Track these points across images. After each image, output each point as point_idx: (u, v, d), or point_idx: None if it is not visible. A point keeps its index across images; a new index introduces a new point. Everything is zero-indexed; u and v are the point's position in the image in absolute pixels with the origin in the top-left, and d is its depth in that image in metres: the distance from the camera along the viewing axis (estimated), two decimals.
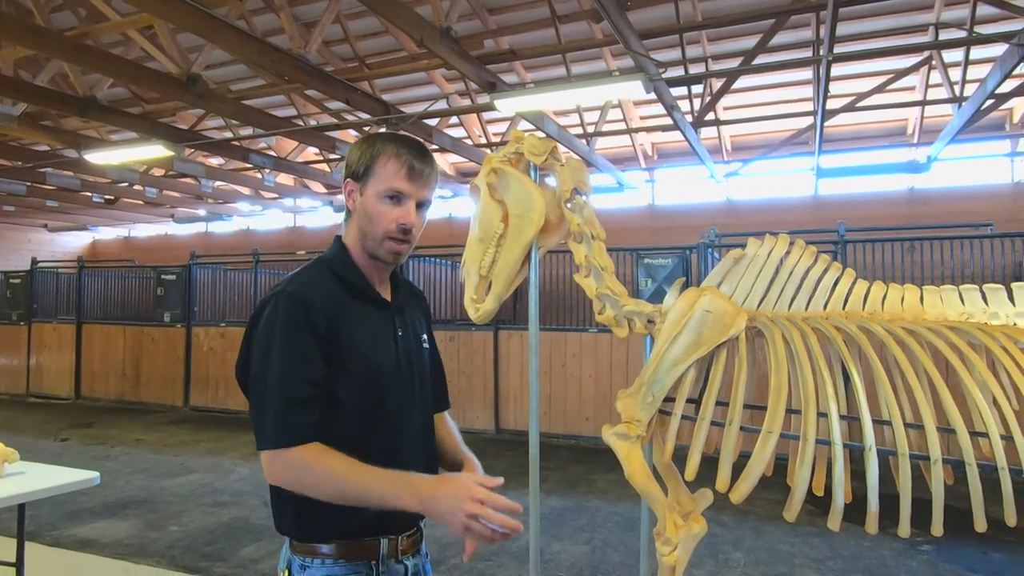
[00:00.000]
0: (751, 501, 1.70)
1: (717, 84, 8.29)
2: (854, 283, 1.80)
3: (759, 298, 1.81)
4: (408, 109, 9.11)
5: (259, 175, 11.23)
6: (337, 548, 1.34)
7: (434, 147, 8.60)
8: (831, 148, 10.09)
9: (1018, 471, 1.48)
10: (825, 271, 1.81)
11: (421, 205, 1.43)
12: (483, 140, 10.34)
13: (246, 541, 4.55)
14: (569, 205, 1.86)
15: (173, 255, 14.74)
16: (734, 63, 7.97)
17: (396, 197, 1.39)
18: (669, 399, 1.77)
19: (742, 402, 1.67)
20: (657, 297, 7.16)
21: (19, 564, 2.81)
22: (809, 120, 8.81)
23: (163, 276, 10.74)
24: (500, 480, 1.27)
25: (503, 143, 9.69)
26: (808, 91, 9.22)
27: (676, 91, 7.33)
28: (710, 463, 1.65)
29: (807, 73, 8.75)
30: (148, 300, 11.83)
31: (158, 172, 11.23)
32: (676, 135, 9.15)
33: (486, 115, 10.02)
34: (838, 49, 6.55)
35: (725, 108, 9.92)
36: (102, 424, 9.17)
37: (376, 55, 8.47)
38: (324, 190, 12.96)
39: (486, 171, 1.89)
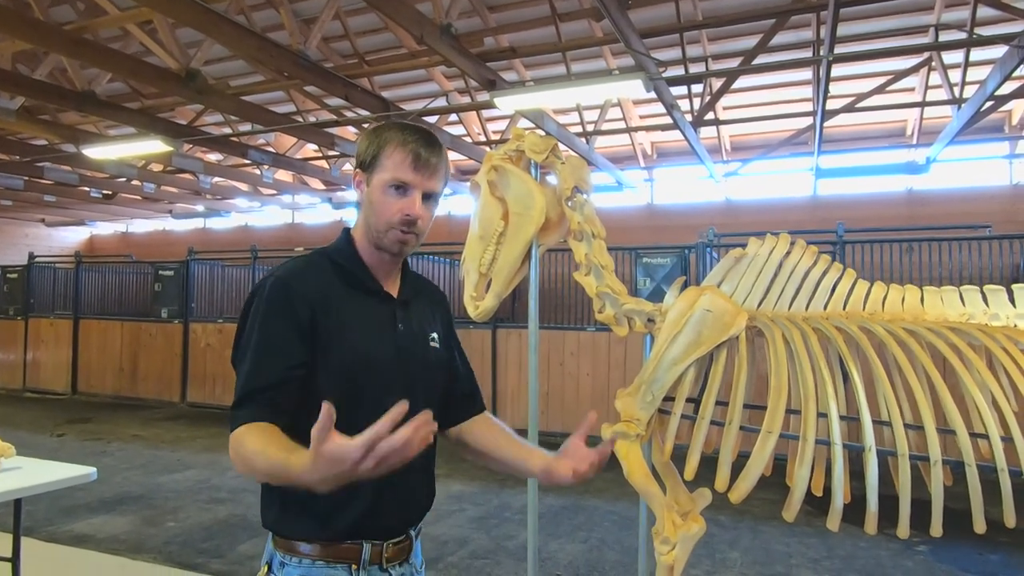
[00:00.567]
0: (748, 501, 1.69)
1: (717, 84, 8.29)
2: (854, 284, 1.80)
3: (759, 298, 1.81)
4: (408, 106, 9.09)
5: (258, 171, 11.21)
6: (317, 548, 1.31)
7: None
8: (830, 148, 10.09)
9: (1018, 472, 1.48)
10: (825, 271, 1.81)
11: (428, 196, 1.39)
12: (482, 138, 10.33)
13: (243, 538, 4.55)
14: (570, 203, 1.86)
15: (171, 251, 14.71)
16: (734, 63, 7.96)
17: (401, 187, 1.36)
18: (669, 398, 1.77)
19: (742, 402, 1.67)
20: (655, 296, 7.16)
21: (15, 559, 2.80)
22: (808, 120, 8.81)
23: (161, 272, 10.72)
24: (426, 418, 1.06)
25: (502, 141, 9.71)
26: (808, 91, 9.22)
27: (676, 90, 7.33)
28: (708, 463, 1.65)
29: (807, 73, 8.75)
30: (146, 296, 11.81)
31: (156, 167, 11.20)
32: (675, 134, 9.14)
33: (485, 113, 10.01)
34: (838, 50, 6.55)
35: (725, 108, 9.92)
36: (99, 420, 9.15)
37: (376, 52, 8.45)
38: (323, 187, 12.94)
39: (487, 168, 1.88)
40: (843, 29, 6.75)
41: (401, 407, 1.03)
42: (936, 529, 1.54)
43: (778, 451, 1.63)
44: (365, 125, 9.43)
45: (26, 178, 11.21)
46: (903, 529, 1.54)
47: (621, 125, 10.03)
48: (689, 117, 8.04)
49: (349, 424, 1.32)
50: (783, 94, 9.61)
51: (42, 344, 11.61)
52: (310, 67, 6.35)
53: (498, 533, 4.62)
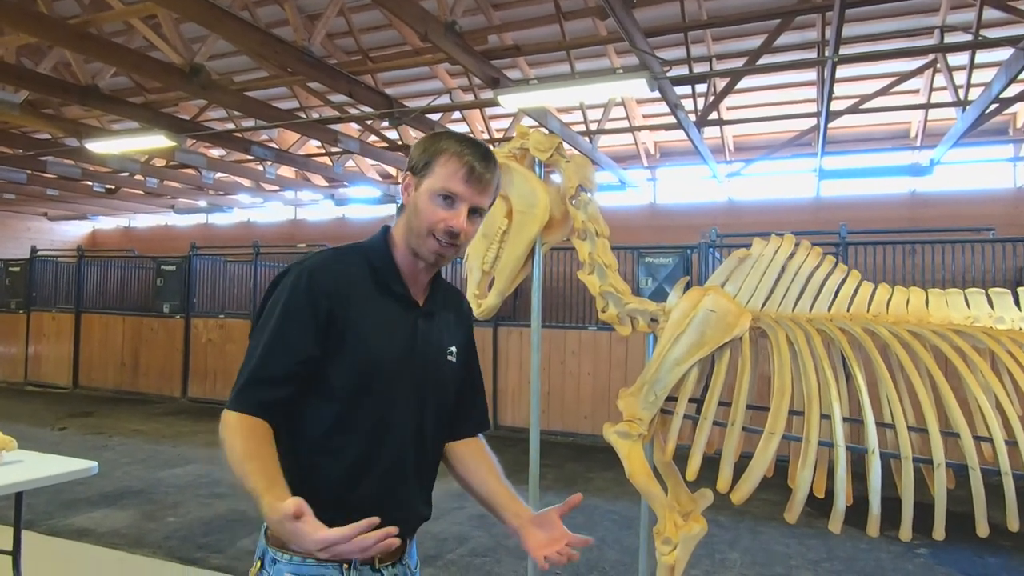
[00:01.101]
0: (748, 501, 1.69)
1: (721, 83, 8.27)
2: (859, 285, 1.79)
3: (763, 298, 1.80)
4: (411, 103, 9.08)
5: (260, 167, 11.21)
6: None
7: None
8: (834, 150, 10.06)
9: (1022, 476, 1.47)
10: (830, 273, 1.80)
11: (474, 211, 1.37)
12: (485, 136, 10.32)
13: (242, 533, 4.55)
14: (574, 202, 1.85)
15: (173, 246, 14.72)
16: (738, 63, 7.94)
17: (450, 198, 1.34)
18: (671, 398, 1.76)
19: (745, 403, 1.67)
20: (657, 296, 7.15)
21: (16, 553, 2.80)
22: (812, 121, 8.79)
23: (163, 267, 10.73)
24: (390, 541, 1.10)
25: (506, 139, 9.70)
26: (812, 92, 9.20)
27: (680, 90, 7.31)
28: (710, 463, 1.64)
29: (811, 74, 8.73)
30: (147, 290, 11.82)
31: (159, 162, 11.20)
32: (679, 134, 9.13)
33: (489, 111, 10.00)
34: (843, 51, 6.53)
35: (728, 108, 9.90)
36: (100, 414, 9.16)
37: (380, 49, 8.45)
38: (325, 183, 12.94)
39: None
40: (848, 30, 6.72)
41: (371, 521, 1.10)
42: (939, 532, 1.53)
43: (779, 452, 1.63)
44: (368, 122, 9.43)
45: (29, 172, 11.21)
46: (905, 532, 1.54)
47: (625, 124, 10.02)
48: (693, 117, 8.03)
49: (355, 422, 1.32)
50: (787, 95, 9.60)
51: (44, 338, 11.62)
52: (314, 63, 6.35)
53: (498, 531, 4.62)
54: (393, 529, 1.10)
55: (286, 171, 12.19)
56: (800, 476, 1.58)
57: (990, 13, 6.18)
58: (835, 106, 7.75)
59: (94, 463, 2.76)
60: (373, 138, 10.46)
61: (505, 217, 1.86)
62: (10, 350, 11.94)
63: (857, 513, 1.61)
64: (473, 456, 1.53)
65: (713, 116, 8.80)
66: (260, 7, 7.32)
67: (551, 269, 8.84)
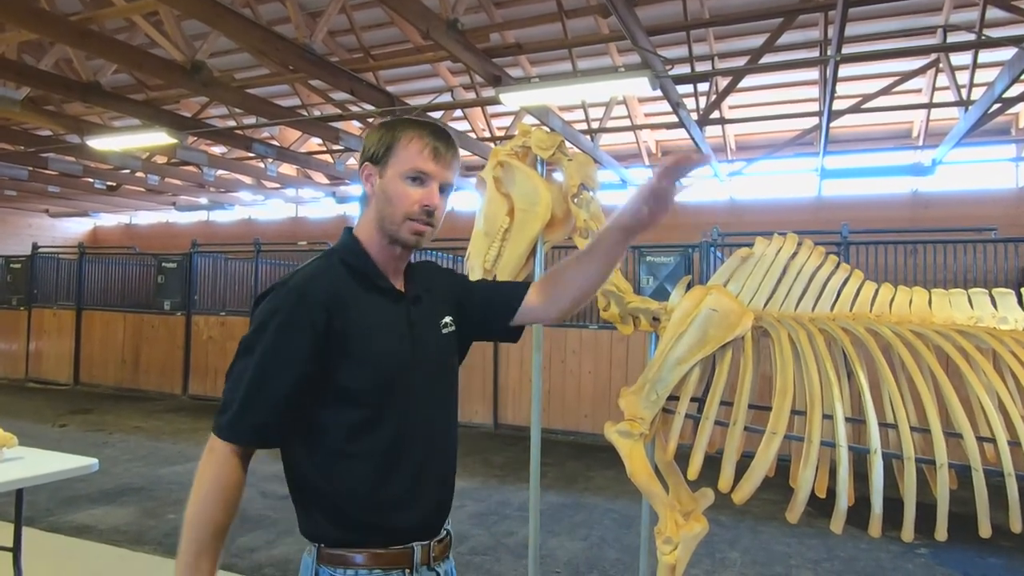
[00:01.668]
0: (749, 501, 1.69)
1: (723, 82, 8.26)
2: (862, 285, 1.79)
3: (766, 298, 1.80)
4: (413, 101, 9.07)
5: (262, 165, 11.21)
6: (370, 556, 1.29)
7: None
8: (835, 149, 10.05)
9: None
10: (833, 272, 1.80)
11: (442, 189, 1.38)
12: (487, 134, 10.31)
13: (243, 531, 4.55)
14: (576, 200, 1.85)
15: (174, 243, 14.73)
16: (740, 61, 7.93)
17: (419, 178, 1.34)
18: (673, 398, 1.76)
19: (747, 402, 1.66)
20: (659, 295, 7.14)
21: (16, 549, 2.80)
22: (814, 120, 8.77)
23: (164, 264, 10.73)
24: None
25: (507, 138, 9.70)
26: (814, 91, 9.18)
27: (682, 88, 7.30)
28: (712, 463, 1.64)
29: (813, 73, 8.72)
30: (148, 287, 11.82)
31: (160, 159, 11.20)
32: (680, 133, 9.12)
33: (490, 109, 9.99)
34: (845, 50, 6.52)
35: (730, 107, 9.89)
36: (101, 411, 9.17)
37: (381, 46, 8.44)
38: (327, 181, 12.94)
39: (493, 164, 1.87)
40: (851, 29, 6.72)
41: None
42: (941, 533, 1.53)
43: (780, 452, 1.62)
44: (370, 120, 9.42)
45: (30, 168, 11.21)
46: (907, 532, 1.54)
47: (626, 123, 10.01)
48: (694, 116, 8.02)
49: (377, 422, 1.32)
50: (789, 94, 9.59)
51: (45, 335, 11.63)
52: (315, 61, 6.34)
53: (498, 530, 4.62)
54: None
55: (287, 169, 12.19)
56: (802, 476, 1.58)
57: (993, 12, 6.17)
58: (837, 105, 7.74)
59: (94, 460, 2.76)
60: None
61: (507, 215, 1.85)
62: (11, 347, 11.95)
63: (858, 513, 1.61)
64: (555, 275, 1.52)
65: (715, 115, 8.79)
66: (261, 4, 7.32)
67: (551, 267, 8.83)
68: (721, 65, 8.29)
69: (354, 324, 1.30)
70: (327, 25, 6.54)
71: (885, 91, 8.06)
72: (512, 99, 6.39)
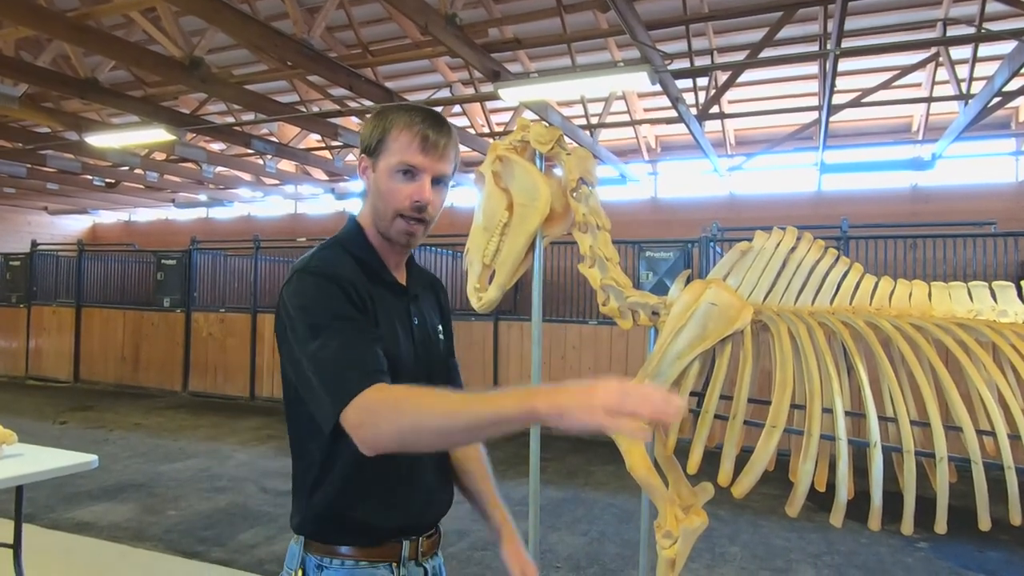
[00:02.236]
0: (748, 495, 1.69)
1: (722, 77, 8.24)
2: (861, 278, 1.78)
3: (765, 292, 1.79)
4: (411, 97, 9.06)
5: (261, 161, 11.19)
6: (357, 549, 1.28)
7: None
8: (835, 144, 10.03)
9: None
10: (832, 266, 1.79)
11: (438, 181, 1.33)
12: (486, 129, 10.30)
13: (243, 527, 4.56)
14: (575, 195, 1.84)
15: (173, 240, 14.71)
16: (740, 56, 7.91)
17: (409, 172, 1.29)
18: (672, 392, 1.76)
19: (746, 396, 1.66)
20: (658, 290, 7.14)
21: (16, 546, 2.81)
22: (814, 115, 8.76)
23: (163, 261, 10.73)
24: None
25: (506, 133, 9.68)
26: (813, 86, 9.17)
27: (681, 83, 7.29)
28: (711, 457, 1.64)
29: (813, 68, 8.70)
30: (148, 285, 11.82)
31: (159, 156, 11.18)
32: (680, 128, 9.10)
33: (489, 104, 9.97)
34: (845, 44, 6.50)
35: (730, 101, 9.87)
36: (101, 408, 9.17)
37: (380, 42, 8.42)
38: (326, 177, 12.92)
39: (492, 159, 1.87)
40: (850, 23, 6.70)
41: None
42: (940, 526, 1.53)
43: (780, 446, 1.62)
44: (368, 116, 9.40)
45: (29, 166, 11.19)
46: (907, 525, 1.54)
47: (625, 118, 9.99)
48: (694, 110, 8.01)
49: None
50: (789, 88, 9.57)
51: (44, 332, 11.63)
52: (314, 56, 6.32)
53: None
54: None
55: (286, 165, 12.17)
56: (802, 469, 1.58)
57: (993, 6, 6.14)
58: (837, 100, 7.72)
59: (94, 457, 2.76)
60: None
61: (506, 210, 1.85)
62: (11, 344, 11.95)
63: (857, 507, 1.61)
64: (465, 451, 1.52)
65: (714, 110, 8.77)
66: (259, 0, 7.29)
67: (552, 263, 8.84)
68: (720, 60, 8.27)
69: (372, 313, 1.27)
70: (325, 20, 6.52)
71: (885, 85, 8.05)
72: (511, 94, 6.38)
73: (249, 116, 9.43)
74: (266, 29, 5.82)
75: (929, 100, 8.53)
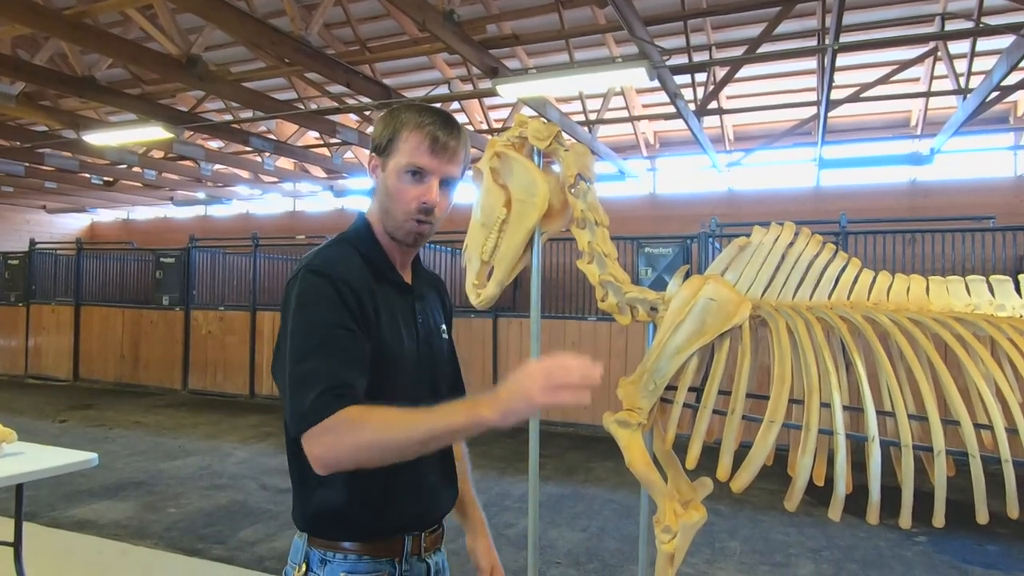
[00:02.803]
0: (748, 490, 1.69)
1: (721, 72, 8.23)
2: (859, 273, 1.78)
3: (763, 287, 1.79)
4: (409, 94, 9.05)
5: (259, 159, 11.18)
6: (360, 545, 1.29)
7: None
8: (834, 139, 10.03)
9: (1022, 463, 1.47)
10: (830, 260, 1.79)
11: (446, 182, 1.34)
12: (484, 126, 10.29)
13: (244, 524, 4.56)
14: (573, 191, 1.84)
15: (172, 238, 14.71)
16: (738, 51, 7.90)
17: (418, 173, 1.30)
18: (671, 387, 1.76)
19: (745, 391, 1.66)
20: (657, 286, 7.14)
21: (17, 544, 2.81)
22: (812, 110, 8.75)
23: (162, 259, 10.72)
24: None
25: (504, 129, 9.67)
26: (812, 81, 9.16)
27: (679, 79, 7.28)
28: (709, 452, 1.64)
29: (811, 63, 8.69)
30: (147, 283, 11.82)
31: (157, 154, 11.17)
32: (678, 123, 9.10)
33: (488, 101, 9.96)
34: (843, 38, 6.49)
35: (728, 97, 9.87)
36: (101, 406, 9.17)
37: (378, 39, 8.40)
38: (324, 175, 12.91)
39: (489, 155, 1.86)
40: (848, 18, 6.68)
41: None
42: (938, 520, 1.53)
43: (778, 441, 1.63)
44: (367, 112, 9.39)
45: (27, 164, 11.18)
46: (905, 519, 1.54)
47: (624, 114, 9.99)
48: (692, 106, 8.00)
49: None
50: (787, 83, 9.56)
51: (43, 331, 11.62)
52: (311, 54, 6.31)
53: (498, 521, 4.64)
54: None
55: (285, 162, 12.16)
56: (800, 464, 1.58)
57: (991, 0, 6.14)
58: (835, 95, 7.72)
59: (94, 455, 2.76)
60: (371, 129, 10.42)
61: (504, 206, 1.85)
62: (10, 343, 11.95)
63: (856, 501, 1.61)
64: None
65: (713, 105, 8.77)
66: None
67: (550, 260, 8.84)
68: (719, 55, 8.27)
69: (372, 319, 1.27)
70: (323, 17, 6.51)
71: (883, 80, 8.04)
72: (509, 91, 6.37)
73: (247, 113, 9.42)
74: (263, 26, 5.81)
75: (927, 95, 8.53)
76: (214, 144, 11.45)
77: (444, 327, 1.49)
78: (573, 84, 6.92)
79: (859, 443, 1.57)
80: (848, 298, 1.77)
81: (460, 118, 10.32)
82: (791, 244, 1.80)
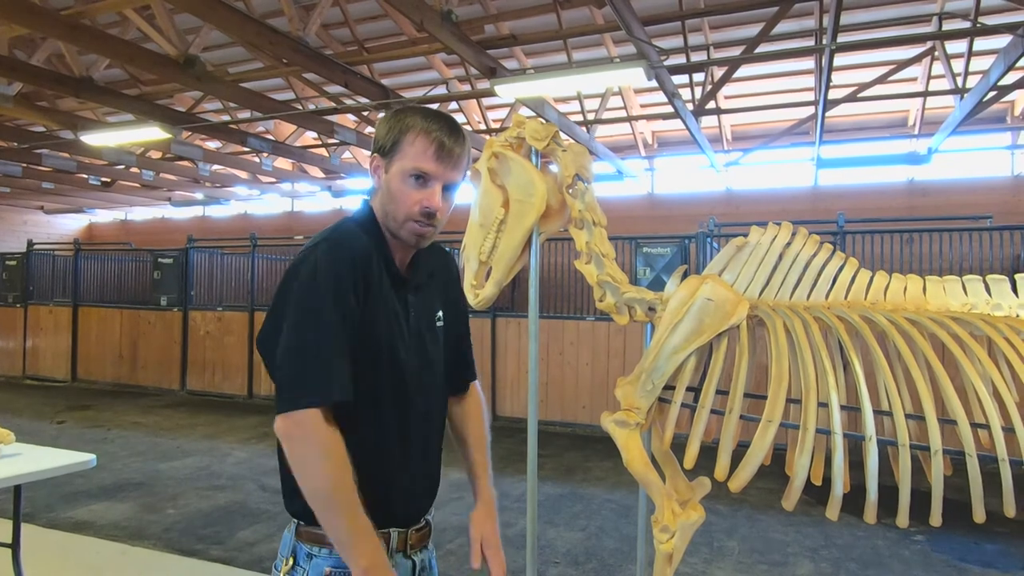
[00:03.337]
0: (746, 490, 1.70)
1: (719, 72, 8.24)
2: (856, 273, 1.79)
3: (761, 287, 1.80)
4: (407, 94, 9.05)
5: (257, 159, 11.17)
6: None
7: None
8: (831, 139, 10.05)
9: (1019, 462, 1.48)
10: (828, 260, 1.80)
11: (448, 187, 1.36)
12: (482, 126, 10.29)
13: (242, 525, 4.56)
14: (570, 191, 1.84)
15: (170, 239, 14.69)
16: (736, 51, 7.91)
17: (422, 178, 1.31)
18: (669, 387, 1.76)
19: (742, 391, 1.66)
20: (655, 286, 7.15)
21: (15, 545, 2.81)
22: (810, 110, 8.77)
23: (160, 260, 10.71)
24: None
25: (502, 129, 9.67)
26: (810, 81, 9.17)
27: (677, 79, 7.28)
28: (708, 452, 1.65)
29: (809, 63, 8.70)
30: (145, 283, 11.81)
31: (155, 155, 11.15)
32: (676, 123, 9.10)
33: (486, 101, 9.96)
34: (841, 38, 6.50)
35: (726, 97, 9.87)
36: (99, 407, 9.16)
37: (376, 39, 8.40)
38: (322, 175, 12.90)
39: (487, 155, 1.87)
40: (846, 18, 6.70)
41: None
42: (936, 519, 1.53)
43: (776, 440, 1.63)
44: (364, 113, 9.39)
45: (24, 165, 11.16)
46: (903, 519, 1.54)
47: (622, 114, 9.99)
48: (690, 106, 8.00)
49: (354, 409, 1.31)
50: (785, 83, 9.57)
51: (41, 331, 11.61)
52: (309, 54, 6.31)
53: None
54: None
55: (283, 163, 12.15)
56: (798, 463, 1.58)
57: (988, 0, 6.15)
58: (833, 94, 7.73)
59: (92, 456, 2.76)
60: (370, 129, 10.42)
61: (502, 207, 1.85)
62: (8, 344, 11.93)
63: (854, 500, 1.62)
64: (467, 420, 1.59)
65: (711, 105, 8.78)
66: None
67: (548, 260, 8.84)
68: (716, 55, 8.27)
69: (367, 314, 1.29)
70: (320, 18, 6.51)
71: (881, 80, 8.05)
72: (507, 91, 6.37)
73: (245, 114, 9.41)
74: (261, 26, 5.80)
75: (925, 95, 8.54)
76: (212, 144, 11.44)
77: (440, 314, 1.49)
78: (571, 84, 6.93)
79: (857, 442, 1.57)
80: (845, 298, 1.77)
81: (458, 118, 10.33)
82: (789, 244, 1.80)
